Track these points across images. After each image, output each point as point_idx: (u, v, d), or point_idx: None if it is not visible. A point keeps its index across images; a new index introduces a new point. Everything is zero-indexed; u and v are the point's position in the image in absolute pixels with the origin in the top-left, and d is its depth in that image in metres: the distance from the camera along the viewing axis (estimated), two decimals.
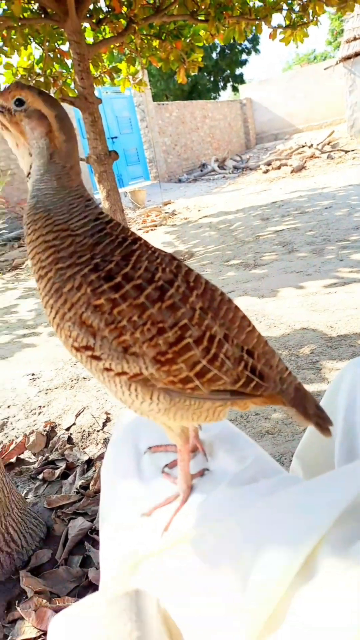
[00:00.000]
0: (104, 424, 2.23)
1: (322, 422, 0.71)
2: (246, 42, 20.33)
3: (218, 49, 20.09)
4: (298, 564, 0.48)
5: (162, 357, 0.62)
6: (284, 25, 4.65)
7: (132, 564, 0.68)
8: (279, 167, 11.20)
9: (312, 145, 12.20)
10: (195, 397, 0.66)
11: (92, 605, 0.54)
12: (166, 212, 8.32)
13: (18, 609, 1.32)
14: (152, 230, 7.26)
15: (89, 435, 2.18)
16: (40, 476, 1.93)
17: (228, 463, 0.81)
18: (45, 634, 1.27)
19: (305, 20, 4.57)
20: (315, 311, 2.98)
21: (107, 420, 2.26)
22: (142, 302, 0.62)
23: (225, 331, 0.66)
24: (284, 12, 4.60)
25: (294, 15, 4.60)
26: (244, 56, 21.30)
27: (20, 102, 0.67)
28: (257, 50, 21.34)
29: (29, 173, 0.72)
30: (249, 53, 21.29)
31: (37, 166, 0.70)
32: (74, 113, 10.29)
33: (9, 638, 1.27)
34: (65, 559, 1.52)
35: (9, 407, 2.57)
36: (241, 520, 0.61)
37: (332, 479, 0.61)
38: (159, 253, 0.69)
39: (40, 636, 1.26)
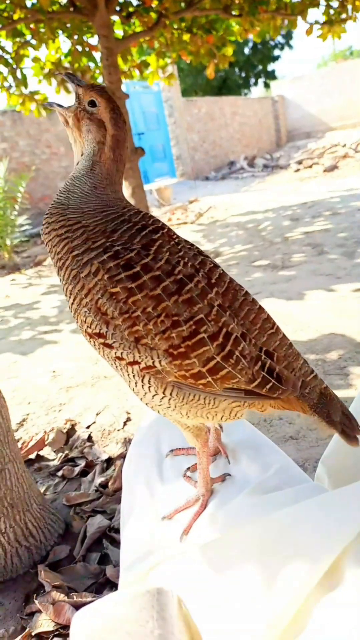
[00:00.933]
0: (125, 423, 2.23)
1: (350, 429, 0.68)
2: (279, 38, 20.05)
3: (250, 44, 19.87)
4: (320, 574, 0.47)
5: (175, 351, 0.62)
6: (321, 22, 4.54)
7: (152, 565, 0.68)
8: (310, 167, 11.02)
9: (345, 144, 11.96)
10: (208, 393, 0.65)
11: (115, 603, 0.55)
12: (192, 211, 8.29)
13: (36, 602, 1.33)
14: (177, 228, 7.24)
15: (109, 434, 2.18)
16: (60, 473, 1.95)
17: (251, 470, 0.79)
18: (62, 627, 1.28)
19: (343, 16, 4.45)
20: (344, 315, 2.91)
21: (128, 419, 2.26)
22: (158, 293, 0.62)
23: (244, 330, 0.65)
24: (322, 8, 4.50)
25: (332, 11, 4.49)
26: (276, 52, 21.03)
27: (92, 104, 0.71)
28: (290, 46, 21.03)
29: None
30: (282, 49, 20.99)
31: (82, 166, 0.73)
32: None
33: (27, 630, 1.28)
34: (84, 555, 1.53)
35: (29, 403, 2.60)
36: (263, 528, 0.60)
37: (358, 489, 0.59)
38: (183, 245, 0.69)
39: (57, 629, 1.28)
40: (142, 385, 0.67)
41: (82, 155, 0.73)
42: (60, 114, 0.74)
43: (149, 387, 0.66)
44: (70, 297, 0.67)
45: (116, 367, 0.68)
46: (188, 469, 0.84)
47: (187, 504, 0.77)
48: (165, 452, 0.90)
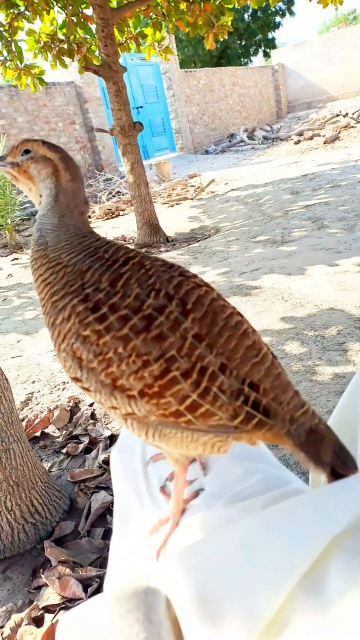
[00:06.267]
0: None
1: (342, 469, 0.60)
2: (280, 3, 19.35)
3: (250, 11, 19.20)
4: (300, 572, 0.46)
5: (149, 390, 0.60)
6: None
7: (137, 572, 0.67)
8: (311, 138, 10.81)
9: (347, 114, 11.68)
10: (192, 430, 0.62)
11: (101, 605, 0.53)
12: (192, 186, 8.18)
13: (43, 576, 1.38)
14: (177, 204, 7.16)
15: None
16: (64, 450, 1.99)
17: (231, 476, 0.74)
18: (68, 600, 1.32)
19: None
20: (344, 290, 2.90)
21: None
22: (125, 333, 0.60)
23: (224, 361, 0.60)
24: None
25: None
26: (277, 19, 20.31)
27: (26, 152, 0.74)
28: (291, 12, 20.31)
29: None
30: (282, 15, 20.29)
31: (44, 203, 0.74)
32: (98, 82, 10.13)
33: (34, 603, 1.33)
34: (88, 530, 1.57)
35: (33, 382, 2.63)
36: (242, 529, 0.58)
37: (345, 486, 0.57)
38: (155, 271, 0.65)
39: (63, 602, 1.32)
40: (127, 427, 0.66)
41: (40, 197, 0.75)
42: (7, 173, 0.77)
43: (132, 429, 0.66)
44: (53, 344, 0.66)
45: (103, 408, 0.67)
46: (167, 479, 0.82)
47: (160, 523, 0.75)
48: (149, 456, 0.87)
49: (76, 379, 0.64)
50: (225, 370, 0.60)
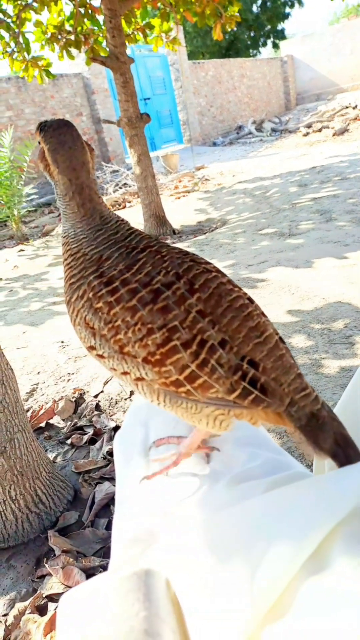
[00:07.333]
0: (131, 392, 2.25)
1: (344, 459, 0.60)
2: None
3: (259, 2, 18.97)
4: (304, 556, 0.47)
5: (152, 358, 0.64)
6: None
7: (140, 552, 0.67)
8: (319, 130, 10.70)
9: (356, 106, 11.54)
10: (192, 400, 0.65)
11: (102, 585, 0.54)
12: (199, 178, 8.13)
13: (46, 565, 1.38)
14: (184, 196, 7.12)
15: (116, 403, 2.21)
16: (69, 441, 1.99)
17: (235, 458, 0.76)
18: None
19: None
20: (352, 284, 2.88)
21: None
22: (134, 304, 0.64)
23: (225, 337, 0.63)
24: None
25: None
26: (286, 9, 20.05)
27: (39, 143, 0.75)
28: (300, 3, 20.03)
29: None
30: (292, 6, 20.01)
31: (56, 196, 0.78)
32: (105, 74, 10.06)
33: (38, 592, 1.33)
34: (92, 521, 1.57)
35: (39, 373, 2.63)
36: (247, 510, 0.59)
37: (348, 472, 0.58)
38: (170, 256, 0.69)
39: (66, 591, 1.32)
40: (139, 391, 0.70)
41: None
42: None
43: (145, 393, 0.69)
44: (70, 320, 0.72)
45: (116, 375, 0.71)
46: (154, 442, 0.84)
47: (164, 468, 0.77)
48: (152, 440, 0.89)
49: (91, 347, 0.69)
50: (225, 345, 0.63)
